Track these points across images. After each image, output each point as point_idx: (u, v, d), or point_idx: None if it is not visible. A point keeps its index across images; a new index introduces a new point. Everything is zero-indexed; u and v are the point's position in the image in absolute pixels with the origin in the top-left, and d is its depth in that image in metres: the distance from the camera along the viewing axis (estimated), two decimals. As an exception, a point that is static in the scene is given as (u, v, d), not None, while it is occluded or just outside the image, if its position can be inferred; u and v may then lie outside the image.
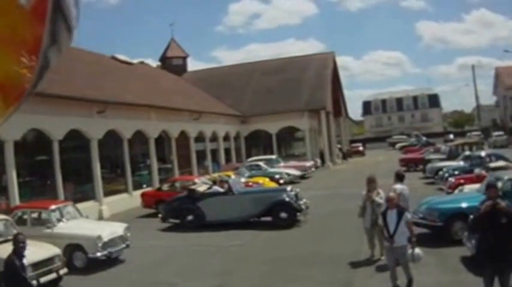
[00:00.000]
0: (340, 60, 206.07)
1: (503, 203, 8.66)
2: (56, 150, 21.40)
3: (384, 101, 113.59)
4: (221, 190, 19.54)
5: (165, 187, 23.85)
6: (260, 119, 46.75)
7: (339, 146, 61.86)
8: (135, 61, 46.21)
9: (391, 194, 10.53)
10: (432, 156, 37.06)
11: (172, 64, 56.84)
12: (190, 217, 18.79)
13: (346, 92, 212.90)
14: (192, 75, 56.55)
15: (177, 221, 19.20)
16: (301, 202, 18.60)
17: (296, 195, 18.79)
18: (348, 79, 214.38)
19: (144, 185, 28.35)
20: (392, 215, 9.93)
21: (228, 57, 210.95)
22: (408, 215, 10.11)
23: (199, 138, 37.84)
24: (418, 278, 10.45)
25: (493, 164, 23.48)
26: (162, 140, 32.06)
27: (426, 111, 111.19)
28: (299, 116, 46.09)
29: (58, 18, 3.31)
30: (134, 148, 28.82)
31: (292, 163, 39.70)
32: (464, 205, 14.48)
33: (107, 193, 25.14)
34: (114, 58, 38.14)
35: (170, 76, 50.71)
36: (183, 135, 34.59)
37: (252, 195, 19.48)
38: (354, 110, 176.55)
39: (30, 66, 3.25)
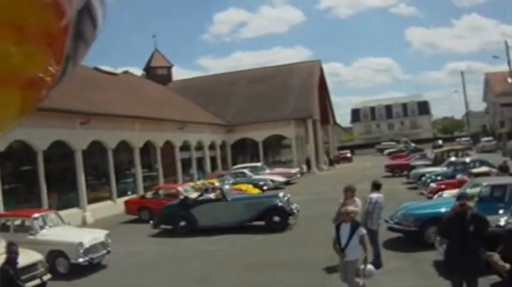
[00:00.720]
0: (330, 67, 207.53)
1: (471, 204, 9.04)
2: (40, 160, 22.13)
3: (372, 109, 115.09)
4: (212, 196, 20.30)
5: (149, 194, 24.59)
6: (246, 128, 47.59)
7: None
8: (120, 70, 47.04)
9: (350, 208, 10.46)
10: (417, 162, 37.83)
11: (156, 74, 58.05)
12: (182, 223, 19.47)
13: (336, 99, 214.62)
14: (178, 85, 57.61)
15: (169, 227, 19.84)
16: (292, 207, 19.56)
17: (288, 200, 19.76)
18: (338, 85, 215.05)
19: (129, 193, 29.10)
20: (346, 229, 9.91)
21: (214, 65, 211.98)
22: (362, 230, 10.01)
23: (185, 147, 38.69)
24: (391, 283, 11.19)
25: (475, 170, 23.77)
26: (148, 149, 32.82)
27: (415, 118, 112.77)
28: (285, 124, 47.01)
29: (83, 11, 3.09)
30: (119, 157, 29.54)
31: (278, 169, 40.61)
32: (439, 210, 14.86)
33: (92, 200, 25.89)
34: (97, 69, 38.76)
35: (155, 86, 51.58)
36: (168, 144, 35.45)
37: (245, 201, 20.30)
38: (344, 117, 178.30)
39: (57, 61, 3.08)
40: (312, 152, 50.16)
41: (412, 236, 14.77)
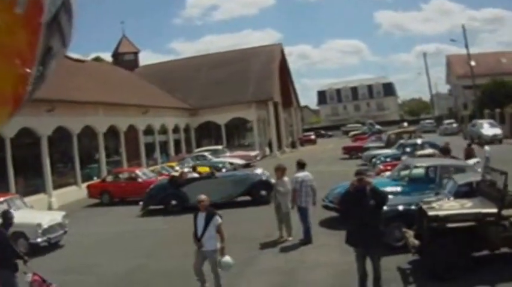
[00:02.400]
0: (299, 49, 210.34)
1: (370, 180, 9.62)
2: (8, 147, 23.85)
3: (338, 91, 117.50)
4: (196, 175, 22.56)
5: (109, 178, 26.54)
6: (209, 111, 49.82)
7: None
8: (92, 56, 48.40)
9: (202, 196, 10.21)
10: (372, 144, 39.43)
11: (124, 59, 59.89)
12: (174, 202, 20.98)
13: (306, 81, 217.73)
14: (144, 70, 59.31)
15: (159, 207, 21.28)
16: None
17: (268, 175, 21.42)
18: (308, 67, 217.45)
19: (95, 178, 30.75)
20: (201, 218, 9.94)
21: (186, 49, 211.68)
22: (218, 220, 9.97)
23: (149, 131, 40.75)
24: (314, 258, 12.27)
25: (419, 152, 24.50)
26: (112, 133, 34.77)
27: (381, 99, 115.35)
28: (247, 107, 49.41)
29: (53, 29, 3.51)
30: (84, 142, 31.47)
31: (238, 152, 42.89)
32: None
33: (57, 186, 27.72)
34: (65, 56, 40.27)
35: (122, 72, 53.35)
36: (132, 128, 37.38)
37: (232, 177, 22.28)
38: (313, 99, 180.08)
39: (25, 76, 3.46)
40: (273, 134, 52.53)
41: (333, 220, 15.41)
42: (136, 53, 62.64)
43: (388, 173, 19.99)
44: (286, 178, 14.34)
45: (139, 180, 24.75)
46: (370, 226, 9.08)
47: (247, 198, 21.36)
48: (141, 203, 21.76)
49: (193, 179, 21.72)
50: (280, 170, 14.55)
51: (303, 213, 13.81)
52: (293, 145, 60.87)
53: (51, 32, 3.51)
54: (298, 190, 13.82)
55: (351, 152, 40.94)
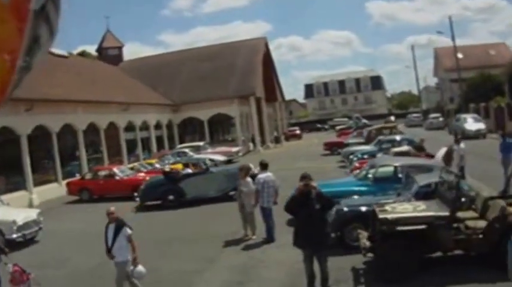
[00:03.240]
0: (290, 41, 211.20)
1: (314, 184, 9.84)
2: (-12, 146, 24.85)
3: (325, 84, 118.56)
4: (190, 171, 23.63)
5: (88, 176, 27.51)
6: (191, 107, 50.90)
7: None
8: (79, 50, 48.88)
9: (111, 208, 10.48)
10: (352, 140, 39.74)
11: (108, 54, 61.15)
12: (171, 197, 21.95)
13: (297, 73, 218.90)
14: (128, 65, 60.52)
15: (156, 202, 22.18)
16: None
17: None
18: (299, 59, 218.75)
19: (77, 175, 31.32)
20: (111, 230, 10.16)
21: (176, 40, 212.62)
22: (128, 230, 10.15)
23: (130, 127, 41.68)
24: (273, 255, 12.88)
25: (395, 149, 24.58)
26: (93, 131, 35.64)
27: (369, 93, 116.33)
28: (229, 102, 50.39)
29: (40, 19, 3.49)
30: (64, 140, 32.26)
31: (219, 148, 43.63)
32: (334, 189, 15.83)
33: (38, 183, 28.66)
34: (48, 52, 40.91)
35: (105, 67, 54.25)
36: (113, 125, 38.28)
37: (225, 172, 23.22)
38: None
39: (11, 66, 3.45)
40: (256, 130, 53.57)
41: None
42: (120, 48, 63.82)
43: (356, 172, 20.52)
44: (249, 178, 14.98)
45: (117, 178, 25.80)
46: (316, 229, 9.54)
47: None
48: (137, 197, 22.89)
49: (190, 175, 22.89)
50: (243, 171, 15.31)
51: (265, 213, 14.38)
52: (277, 140, 61.80)
53: (39, 21, 3.51)
54: (260, 191, 14.35)
55: (332, 148, 41.23)
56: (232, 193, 21.71)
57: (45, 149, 30.60)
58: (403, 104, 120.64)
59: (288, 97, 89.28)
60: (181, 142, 50.23)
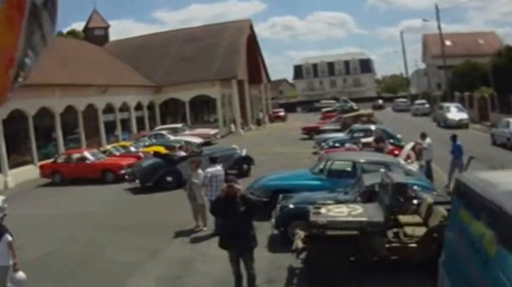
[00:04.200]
0: (284, 20, 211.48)
1: (238, 186, 9.87)
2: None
3: (315, 65, 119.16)
4: (183, 153, 24.56)
5: (61, 159, 28.38)
6: (173, 88, 51.76)
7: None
8: (69, 28, 48.80)
9: None
10: (329, 126, 39.93)
11: (94, 35, 61.99)
12: (169, 178, 22.99)
13: (291, 52, 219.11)
14: (113, 45, 61.29)
15: (149, 184, 23.13)
16: None
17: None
18: (293, 39, 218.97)
19: (56, 156, 31.61)
20: None
21: (170, 18, 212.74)
22: (8, 237, 10.12)
23: (109, 109, 42.66)
24: (218, 250, 12.15)
25: (364, 139, 24.51)
26: (71, 113, 36.52)
27: (358, 76, 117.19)
28: (211, 85, 51.28)
29: (34, 25, 3.58)
30: (41, 123, 33.11)
31: (198, 130, 44.46)
32: (289, 182, 16.29)
33: (14, 165, 29.66)
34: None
35: (89, 48, 54.68)
36: (91, 107, 39.22)
37: (219, 154, 23.68)
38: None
39: (6, 72, 3.51)
40: (237, 112, 54.50)
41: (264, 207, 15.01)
42: (106, 28, 64.50)
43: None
44: (200, 171, 15.28)
45: (88, 161, 26.84)
46: (241, 232, 9.58)
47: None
48: (128, 179, 24.08)
49: (186, 157, 23.73)
50: (194, 163, 15.86)
51: None
52: (258, 123, 62.76)
53: (33, 28, 3.56)
54: (208, 185, 14.53)
55: (310, 133, 41.27)
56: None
57: (21, 132, 31.41)
58: (392, 87, 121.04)
59: (280, 76, 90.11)
60: (163, 123, 51.33)
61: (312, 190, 14.99)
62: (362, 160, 16.27)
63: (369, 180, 12.94)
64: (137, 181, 23.51)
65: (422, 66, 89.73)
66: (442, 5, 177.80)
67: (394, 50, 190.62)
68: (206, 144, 39.48)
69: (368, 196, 12.33)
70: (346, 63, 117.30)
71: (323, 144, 28.93)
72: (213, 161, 15.41)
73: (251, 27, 62.90)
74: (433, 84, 78.00)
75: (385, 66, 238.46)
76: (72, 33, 71.25)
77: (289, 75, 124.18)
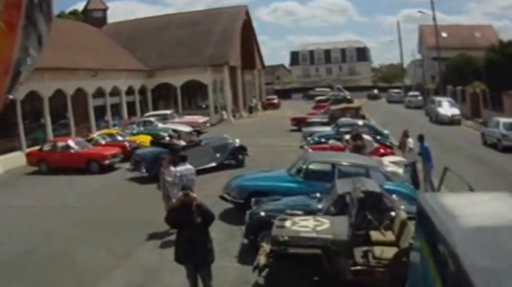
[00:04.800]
0: (286, 5, 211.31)
1: (194, 195, 9.52)
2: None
3: (311, 52, 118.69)
4: (182, 143, 25.19)
5: (46, 147, 28.22)
6: (165, 73, 51.71)
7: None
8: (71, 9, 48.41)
9: None
10: (317, 119, 38.77)
11: (92, 16, 62.66)
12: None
13: (292, 37, 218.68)
14: (111, 27, 61.47)
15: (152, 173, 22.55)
16: None
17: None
18: (294, 24, 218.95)
19: (43, 144, 31.38)
20: None
21: None
22: None
23: (99, 93, 42.59)
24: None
25: (348, 136, 22.88)
26: (60, 97, 36.40)
27: (354, 64, 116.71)
28: (203, 70, 51.19)
29: (30, 29, 3.67)
30: (30, 107, 33.17)
31: (187, 117, 44.43)
32: (266, 183, 15.86)
33: (2, 152, 29.86)
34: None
35: (87, 30, 54.51)
36: (81, 91, 39.05)
37: (216, 144, 25.73)
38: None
39: (4, 77, 3.62)
40: (228, 99, 54.43)
41: (240, 208, 15.08)
42: (104, 10, 65.03)
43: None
44: (172, 168, 14.87)
45: (72, 151, 26.85)
46: (198, 244, 9.23)
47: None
48: (127, 167, 24.67)
49: (187, 147, 24.29)
50: (166, 160, 15.33)
51: None
52: (250, 110, 62.58)
53: (29, 31, 3.65)
54: (177, 184, 14.14)
55: (299, 124, 40.39)
56: (226, 162, 25.09)
57: (9, 117, 31.19)
58: (388, 77, 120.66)
59: (281, 61, 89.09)
60: (155, 108, 51.52)
61: (288, 192, 14.65)
62: (341, 162, 15.59)
63: (342, 187, 12.10)
64: (143, 171, 23.63)
65: (419, 56, 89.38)
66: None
67: (392, 39, 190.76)
68: (195, 132, 39.09)
69: (341, 205, 11.56)
70: (343, 51, 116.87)
71: (309, 139, 28.54)
72: (183, 159, 15.11)
73: (247, 13, 62.95)
74: (428, 76, 77.73)
75: (385, 54, 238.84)
76: (74, 13, 71.07)
77: (288, 61, 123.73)
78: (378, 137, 26.19)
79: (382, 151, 23.44)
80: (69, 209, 19.00)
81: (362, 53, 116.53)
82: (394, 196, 13.21)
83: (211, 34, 54.85)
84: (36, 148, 29.93)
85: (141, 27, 59.01)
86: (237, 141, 26.30)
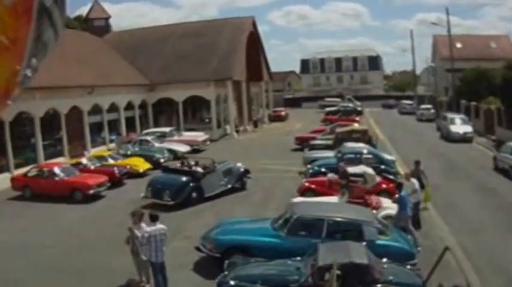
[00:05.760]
0: (299, 9, 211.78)
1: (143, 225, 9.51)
2: None
3: (322, 60, 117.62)
4: (200, 169, 24.85)
5: (32, 172, 27.12)
6: (167, 87, 50.49)
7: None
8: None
9: None
10: (320, 140, 36.81)
11: (94, 26, 61.40)
12: (194, 194, 23.68)
13: (305, 41, 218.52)
14: (113, 37, 60.42)
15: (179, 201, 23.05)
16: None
17: None
18: (307, 28, 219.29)
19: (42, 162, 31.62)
20: None
21: (185, 2, 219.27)
22: None
23: (96, 110, 41.51)
24: None
25: (351, 169, 20.77)
26: (51, 116, 35.53)
27: (366, 73, 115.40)
28: (205, 85, 49.98)
29: (44, 20, 3.62)
30: (19, 127, 32.29)
31: (186, 135, 43.36)
32: (242, 237, 14.83)
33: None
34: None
35: (87, 40, 53.33)
36: (76, 109, 38.03)
37: (227, 169, 25.91)
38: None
39: (16, 69, 3.56)
40: (231, 115, 53.14)
41: (217, 261, 14.36)
42: (107, 19, 63.55)
43: (299, 200, 19.05)
44: (143, 224, 13.94)
45: (57, 178, 25.78)
46: None
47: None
48: (143, 194, 23.92)
49: (206, 173, 24.66)
50: (137, 216, 14.27)
51: (155, 268, 13.45)
52: (255, 124, 61.02)
53: (43, 21, 3.59)
54: (146, 244, 13.37)
55: (303, 143, 38.74)
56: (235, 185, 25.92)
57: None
58: (400, 86, 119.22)
59: (294, 65, 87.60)
60: (155, 123, 50.75)
61: (268, 249, 13.97)
62: (331, 217, 14.42)
63: (325, 256, 11.11)
64: (167, 199, 23.13)
65: (433, 64, 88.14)
66: (458, 1, 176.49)
67: (406, 50, 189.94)
68: (194, 151, 38.61)
69: (320, 278, 10.68)
70: (354, 59, 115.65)
71: (308, 167, 26.75)
72: (154, 219, 13.71)
73: (254, 24, 61.74)
74: (441, 87, 76.99)
75: (398, 59, 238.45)
76: (78, 19, 70.25)
77: (298, 68, 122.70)
78: (382, 167, 24.76)
79: (384, 185, 21.96)
80: (36, 249, 18.01)
81: (374, 62, 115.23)
82: (384, 260, 12.33)
83: (215, 46, 53.69)
84: (24, 170, 28.90)
85: (144, 37, 58.02)
86: (241, 166, 26.80)
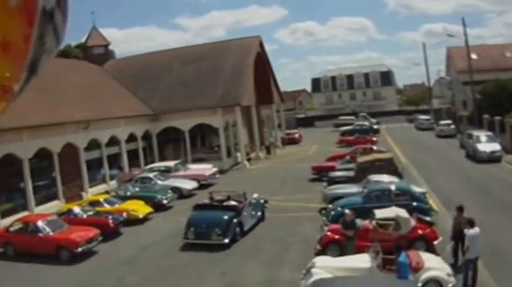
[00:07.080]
0: (305, 26, 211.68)
1: None
2: None
3: (333, 78, 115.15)
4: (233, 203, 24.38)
5: (14, 227, 23.47)
6: (171, 117, 47.22)
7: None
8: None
9: None
10: (339, 172, 32.73)
11: (93, 53, 57.88)
12: (238, 229, 22.60)
13: (312, 58, 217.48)
14: (113, 65, 57.27)
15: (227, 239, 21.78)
16: None
17: None
18: (314, 44, 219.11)
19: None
20: None
21: (191, 24, 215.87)
22: None
23: (93, 146, 38.17)
24: None
25: (380, 213, 18.60)
26: (44, 156, 32.37)
27: (378, 89, 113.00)
28: (212, 112, 46.68)
29: (47, 23, 3.72)
30: (5, 171, 29.26)
31: (193, 169, 39.76)
32: None
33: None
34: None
35: (85, 70, 50.65)
36: (70, 146, 34.75)
37: (254, 203, 25.49)
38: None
39: (18, 69, 3.72)
40: (241, 142, 49.39)
41: None
42: (106, 46, 59.92)
43: (322, 262, 15.27)
44: None
45: (40, 234, 22.10)
46: None
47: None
48: (183, 237, 22.36)
49: (243, 206, 24.21)
50: None
51: None
52: (268, 150, 56.94)
53: (46, 26, 3.57)
54: None
55: (321, 173, 35.18)
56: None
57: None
58: (412, 100, 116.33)
59: (304, 82, 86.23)
60: (160, 154, 47.65)
61: None
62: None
63: None
64: (218, 238, 21.61)
65: (443, 73, 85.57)
66: (462, 9, 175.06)
67: (417, 63, 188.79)
68: (202, 187, 35.07)
69: None
70: (366, 75, 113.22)
71: (330, 207, 23.08)
72: None
73: (261, 44, 58.28)
74: (458, 100, 74.19)
75: (407, 72, 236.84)
76: (80, 47, 66.95)
77: (309, 86, 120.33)
78: (414, 203, 21.17)
79: (420, 231, 18.19)
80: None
81: (386, 77, 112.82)
82: None
83: (221, 71, 50.43)
84: (12, 219, 25.78)
85: (145, 64, 54.88)
86: (261, 196, 26.67)
